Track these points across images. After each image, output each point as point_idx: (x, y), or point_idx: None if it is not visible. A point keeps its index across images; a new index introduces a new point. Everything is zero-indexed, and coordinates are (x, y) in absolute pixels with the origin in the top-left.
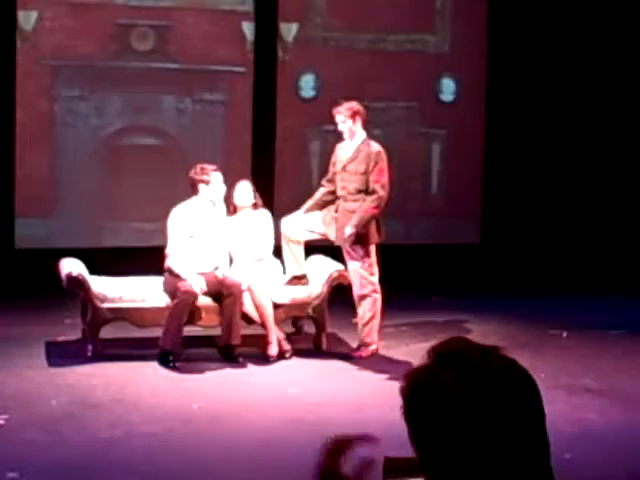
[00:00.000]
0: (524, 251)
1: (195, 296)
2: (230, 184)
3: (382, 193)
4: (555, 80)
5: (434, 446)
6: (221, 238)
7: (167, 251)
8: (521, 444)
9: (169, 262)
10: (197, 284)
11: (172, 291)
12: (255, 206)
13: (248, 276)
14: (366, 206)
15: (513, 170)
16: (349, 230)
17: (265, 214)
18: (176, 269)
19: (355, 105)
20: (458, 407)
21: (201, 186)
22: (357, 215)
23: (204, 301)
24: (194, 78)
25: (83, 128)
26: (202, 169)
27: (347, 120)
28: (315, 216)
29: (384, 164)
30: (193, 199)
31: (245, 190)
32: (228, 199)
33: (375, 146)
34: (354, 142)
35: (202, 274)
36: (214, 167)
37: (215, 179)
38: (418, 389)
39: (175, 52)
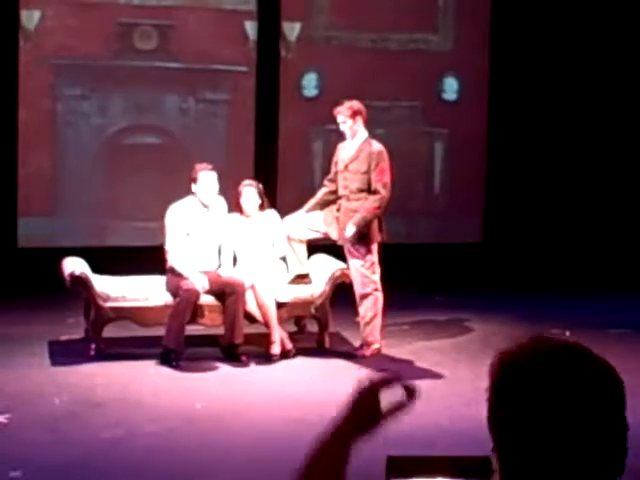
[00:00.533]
0: (527, 250)
1: (197, 294)
2: (233, 184)
3: (384, 192)
4: (559, 79)
5: (514, 429)
6: (220, 237)
7: (166, 247)
8: (598, 440)
9: (171, 261)
10: (199, 282)
11: (174, 290)
12: (262, 207)
13: (251, 275)
14: (368, 205)
15: (516, 169)
16: (351, 229)
17: (272, 215)
18: (178, 268)
19: (355, 104)
20: (546, 394)
21: (192, 185)
22: (359, 214)
23: (207, 300)
24: (197, 77)
25: (86, 127)
26: (195, 168)
27: (347, 120)
28: (317, 215)
29: (385, 163)
30: (189, 197)
31: (250, 196)
32: (234, 200)
33: (376, 145)
34: (355, 141)
35: (204, 272)
36: (208, 166)
37: (203, 178)
38: (505, 369)
39: (178, 51)
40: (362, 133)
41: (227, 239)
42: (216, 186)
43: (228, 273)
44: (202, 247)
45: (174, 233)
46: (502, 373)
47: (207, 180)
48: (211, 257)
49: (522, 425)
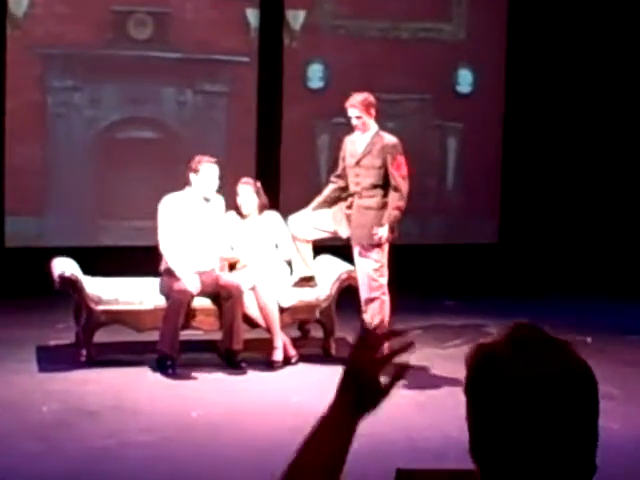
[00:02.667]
0: (545, 251)
1: (190, 296)
2: (233, 181)
3: (406, 187)
4: (579, 70)
5: (484, 423)
6: (216, 235)
7: (158, 238)
8: (570, 436)
9: (164, 255)
10: (192, 283)
11: (167, 292)
12: (261, 208)
13: (252, 277)
14: (394, 203)
15: (533, 165)
16: (383, 230)
17: (273, 216)
18: (171, 266)
19: (369, 96)
20: (513, 388)
21: (191, 175)
22: (387, 214)
23: (203, 303)
24: (195, 68)
25: (77, 120)
26: (197, 158)
27: (362, 114)
28: (324, 214)
29: (402, 156)
30: (186, 190)
31: (247, 195)
32: (234, 200)
33: (389, 138)
34: (366, 135)
35: (198, 273)
36: (212, 159)
37: (205, 170)
38: (479, 361)
39: (175, 40)
40: (373, 126)
41: (222, 237)
42: (217, 181)
43: (222, 274)
44: (197, 244)
45: (167, 226)
46: (475, 365)
47: (209, 173)
48: (206, 256)
49: (493, 420)
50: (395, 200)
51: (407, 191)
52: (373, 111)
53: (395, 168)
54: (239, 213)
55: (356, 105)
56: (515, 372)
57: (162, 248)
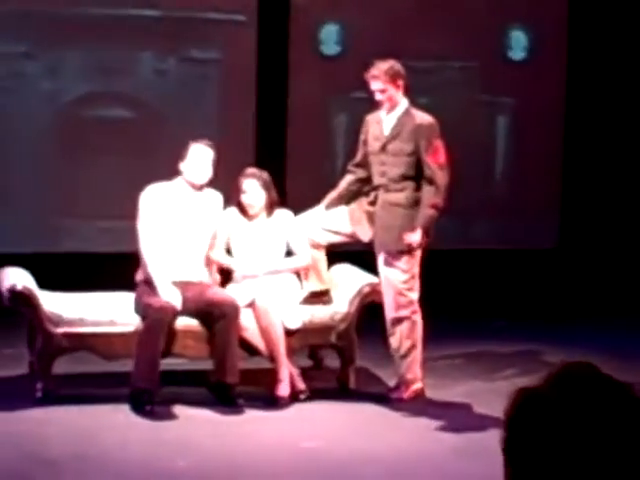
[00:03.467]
0: (615, 258)
1: (172, 314)
2: (226, 171)
3: (443, 178)
4: None
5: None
6: (208, 236)
7: (138, 237)
8: None
9: (142, 259)
10: (173, 296)
11: (143, 309)
12: (271, 206)
13: (251, 290)
14: (429, 200)
15: (603, 152)
16: (415, 237)
17: (284, 216)
18: (149, 273)
19: (395, 64)
20: (560, 446)
21: (180, 163)
22: (420, 215)
23: (189, 323)
24: (180, 29)
25: (31, 96)
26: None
27: (388, 87)
28: (340, 212)
29: (439, 139)
30: (175, 180)
31: (252, 190)
32: (235, 196)
33: (422, 116)
34: (394, 113)
35: (183, 284)
36: (204, 141)
37: (194, 152)
38: (519, 413)
39: None
40: (403, 103)
41: (219, 238)
42: (209, 167)
43: (215, 288)
44: (183, 248)
45: (147, 223)
46: (514, 418)
47: (199, 155)
48: (194, 263)
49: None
50: (430, 195)
51: (445, 184)
52: (401, 83)
53: (430, 155)
54: (243, 212)
55: (379, 76)
56: (562, 426)
57: (141, 250)
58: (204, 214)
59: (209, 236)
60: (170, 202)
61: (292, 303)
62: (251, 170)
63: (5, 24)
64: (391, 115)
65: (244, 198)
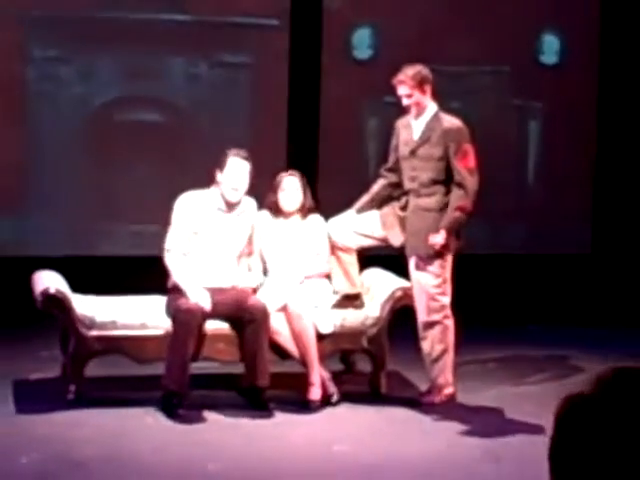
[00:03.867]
0: None
1: (201, 316)
2: (258, 175)
3: (473, 182)
4: None
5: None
6: (241, 244)
7: (165, 246)
8: None
9: (167, 265)
10: (202, 298)
11: (173, 312)
12: (305, 210)
13: (282, 294)
14: (456, 203)
15: (636, 157)
16: (440, 236)
17: (317, 222)
18: (175, 276)
19: (422, 69)
20: (609, 447)
21: (217, 173)
22: (447, 216)
23: (219, 327)
24: (212, 34)
25: (64, 99)
26: (226, 152)
27: (414, 92)
28: (372, 216)
29: (469, 143)
30: (212, 188)
31: (292, 188)
32: (271, 195)
33: (451, 121)
34: (423, 118)
35: (213, 289)
36: (242, 153)
37: (232, 165)
38: (566, 420)
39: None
40: (431, 107)
41: (259, 247)
42: (246, 181)
43: (245, 292)
44: (216, 255)
45: (178, 229)
46: (561, 425)
47: (236, 169)
48: (226, 270)
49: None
50: (457, 199)
51: (475, 188)
52: (428, 88)
53: (460, 159)
54: (277, 211)
55: (405, 81)
56: (615, 433)
57: (165, 255)
58: (238, 223)
59: (243, 244)
60: (204, 211)
61: (324, 307)
62: (291, 171)
63: (39, 28)
64: (420, 120)
65: (281, 196)
